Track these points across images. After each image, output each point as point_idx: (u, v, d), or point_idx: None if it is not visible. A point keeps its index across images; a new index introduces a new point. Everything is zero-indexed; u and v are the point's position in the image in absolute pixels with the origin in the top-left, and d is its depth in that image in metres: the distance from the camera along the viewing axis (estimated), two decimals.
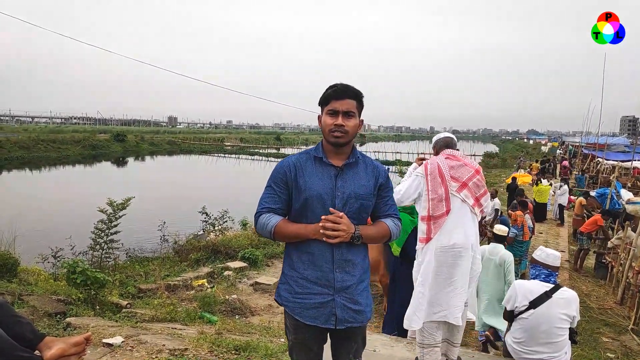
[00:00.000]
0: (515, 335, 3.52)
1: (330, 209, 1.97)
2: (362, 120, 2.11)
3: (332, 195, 2.01)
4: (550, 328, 3.34)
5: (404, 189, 3.36)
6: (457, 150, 3.45)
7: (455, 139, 3.55)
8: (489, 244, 5.34)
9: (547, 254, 3.59)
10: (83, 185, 26.09)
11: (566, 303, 3.38)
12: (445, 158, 3.30)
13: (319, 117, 2.10)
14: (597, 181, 18.77)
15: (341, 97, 2.00)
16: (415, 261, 3.37)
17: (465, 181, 3.21)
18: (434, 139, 3.60)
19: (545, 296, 3.37)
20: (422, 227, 3.26)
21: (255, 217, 2.10)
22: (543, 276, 3.52)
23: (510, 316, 3.60)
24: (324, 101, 2.05)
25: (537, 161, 27.56)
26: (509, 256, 4.92)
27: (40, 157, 39.27)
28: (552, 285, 3.46)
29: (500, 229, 5.30)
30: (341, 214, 1.96)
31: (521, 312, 3.45)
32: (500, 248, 5.05)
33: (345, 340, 2.13)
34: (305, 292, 2.02)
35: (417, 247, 3.36)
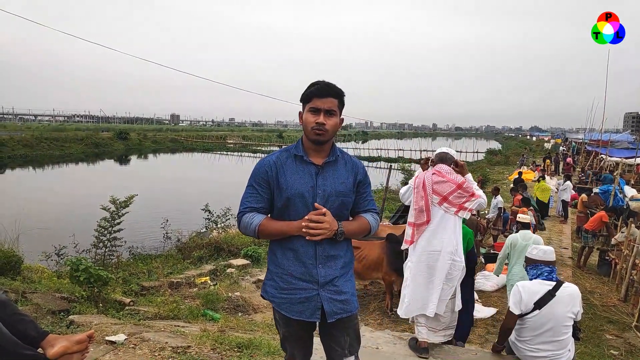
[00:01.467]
0: (519, 334, 3.47)
1: (316, 204, 1.99)
2: (343, 119, 2.13)
3: (313, 193, 2.03)
4: (555, 326, 3.27)
5: (403, 192, 3.99)
6: (451, 162, 3.88)
7: (451, 154, 3.97)
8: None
9: (544, 250, 3.53)
10: (86, 183, 26.15)
11: (570, 299, 3.33)
12: (432, 174, 3.81)
13: (300, 114, 2.10)
14: (601, 178, 18.71)
15: (323, 96, 2.01)
16: (408, 258, 3.98)
17: (446, 195, 3.73)
18: (437, 150, 4.10)
19: (550, 295, 3.31)
20: (408, 230, 3.86)
21: (238, 217, 2.12)
22: (546, 274, 3.44)
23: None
24: (305, 98, 2.06)
25: (548, 157, 27.48)
26: (540, 239, 5.56)
27: (43, 155, 39.38)
28: (554, 283, 3.38)
29: (523, 217, 6.03)
30: (324, 210, 1.98)
31: (526, 313, 3.38)
32: (530, 233, 5.71)
33: (335, 335, 2.14)
34: (290, 287, 2.05)
35: (403, 246, 4.01)
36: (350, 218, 2.21)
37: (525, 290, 3.38)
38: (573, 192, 13.77)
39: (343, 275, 2.10)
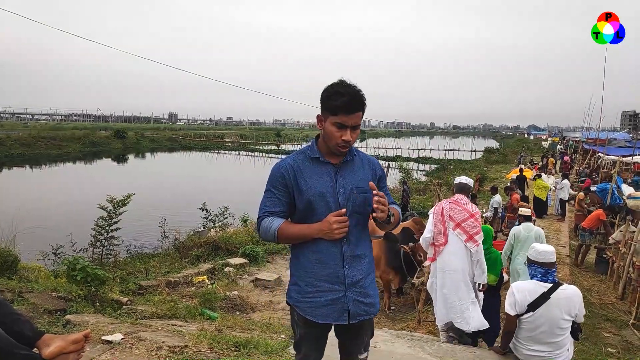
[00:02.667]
0: (516, 334, 3.45)
1: (343, 210, 1.96)
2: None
3: (334, 192, 2.00)
4: (550, 328, 3.22)
5: (427, 229, 4.47)
6: (467, 192, 4.52)
7: (470, 184, 4.62)
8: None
9: (538, 251, 3.36)
10: (83, 182, 26.08)
11: (567, 302, 3.23)
12: (450, 202, 4.38)
13: (319, 118, 2.02)
14: (598, 176, 18.74)
15: (351, 112, 1.92)
16: (430, 275, 4.56)
17: (459, 222, 4.23)
18: (455, 180, 4.77)
19: (543, 298, 3.22)
20: (430, 249, 4.43)
21: (257, 222, 2.09)
22: (539, 275, 3.32)
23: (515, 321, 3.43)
24: (331, 109, 1.94)
25: (552, 156, 27.57)
26: (542, 231, 6.14)
27: (41, 154, 39.27)
28: (550, 285, 3.26)
29: (524, 210, 6.51)
30: (344, 210, 1.95)
31: (521, 314, 3.34)
32: (532, 225, 6.21)
33: (356, 335, 2.14)
34: (315, 291, 2.02)
35: (425, 263, 4.64)
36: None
37: (519, 291, 3.32)
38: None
39: (368, 276, 2.09)
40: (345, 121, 1.92)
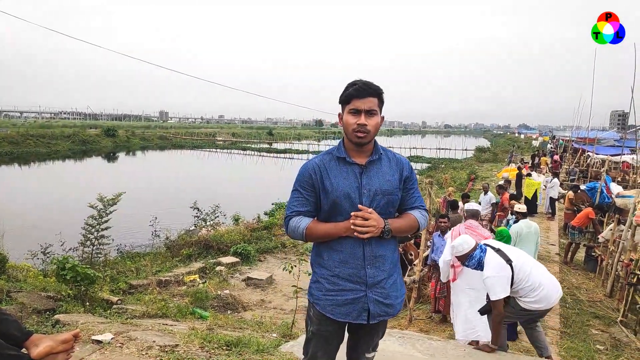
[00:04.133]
0: (521, 296, 3.71)
1: (359, 205, 1.98)
2: (383, 117, 2.10)
3: (358, 193, 2.02)
4: (531, 256, 3.92)
5: (446, 252, 4.74)
6: (477, 217, 5.16)
7: (479, 209, 5.33)
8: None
9: (459, 244, 3.90)
10: (73, 180, 25.87)
11: (508, 247, 4.00)
12: (465, 227, 4.85)
13: (340, 116, 2.08)
14: (587, 175, 18.92)
15: (363, 96, 1.98)
16: (453, 291, 4.84)
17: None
18: (465, 207, 5.45)
19: (499, 250, 3.75)
20: (450, 271, 4.74)
21: (285, 221, 2.12)
22: (480, 249, 3.81)
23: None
24: (345, 100, 2.03)
25: (545, 155, 27.83)
26: (537, 226, 6.67)
27: (30, 152, 38.88)
28: (488, 247, 3.85)
29: (521, 207, 7.10)
30: (370, 209, 1.97)
31: (512, 276, 3.65)
32: (530, 222, 6.65)
33: (369, 334, 2.16)
34: (337, 289, 2.03)
35: (453, 284, 4.84)
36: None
37: (496, 267, 3.66)
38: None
39: (390, 277, 2.09)
40: (358, 106, 1.98)
